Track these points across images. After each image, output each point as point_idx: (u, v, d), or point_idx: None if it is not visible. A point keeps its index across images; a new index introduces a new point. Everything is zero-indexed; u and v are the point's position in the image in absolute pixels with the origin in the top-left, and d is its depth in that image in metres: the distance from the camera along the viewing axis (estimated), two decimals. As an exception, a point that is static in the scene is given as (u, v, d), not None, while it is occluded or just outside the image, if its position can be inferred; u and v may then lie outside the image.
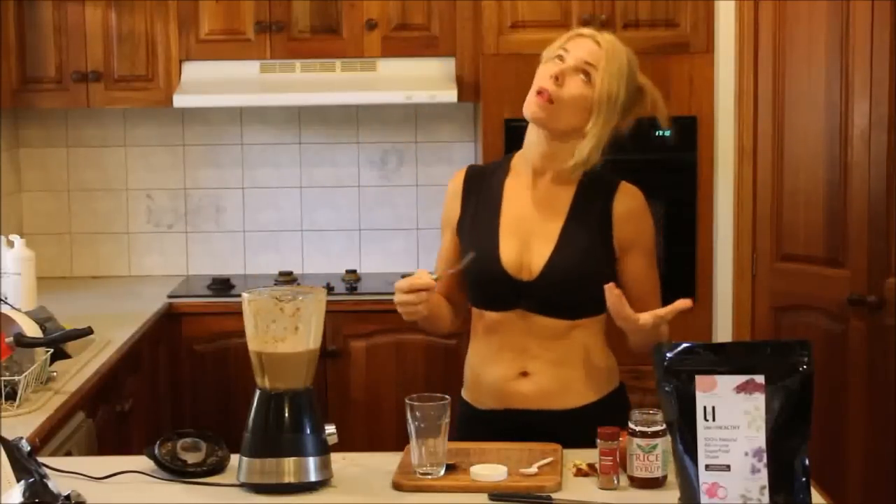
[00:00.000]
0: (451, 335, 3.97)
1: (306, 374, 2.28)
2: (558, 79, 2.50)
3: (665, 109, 2.61)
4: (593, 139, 2.52)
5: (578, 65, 2.50)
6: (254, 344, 2.27)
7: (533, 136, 2.62)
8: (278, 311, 2.25)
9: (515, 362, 2.58)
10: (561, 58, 2.52)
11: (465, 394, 2.69)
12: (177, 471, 2.31)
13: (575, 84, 2.50)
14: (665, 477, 2.23)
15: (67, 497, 2.00)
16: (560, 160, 2.57)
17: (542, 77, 2.53)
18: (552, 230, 2.57)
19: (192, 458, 2.33)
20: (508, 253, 2.56)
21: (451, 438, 2.38)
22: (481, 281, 2.59)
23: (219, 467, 2.33)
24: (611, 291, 2.41)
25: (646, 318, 2.43)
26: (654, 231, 2.66)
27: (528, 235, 2.57)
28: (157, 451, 2.34)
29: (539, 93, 2.53)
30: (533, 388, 2.57)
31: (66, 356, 3.18)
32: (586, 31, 2.54)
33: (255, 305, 2.26)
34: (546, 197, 2.60)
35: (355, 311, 4.39)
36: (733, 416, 2.04)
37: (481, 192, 2.65)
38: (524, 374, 2.58)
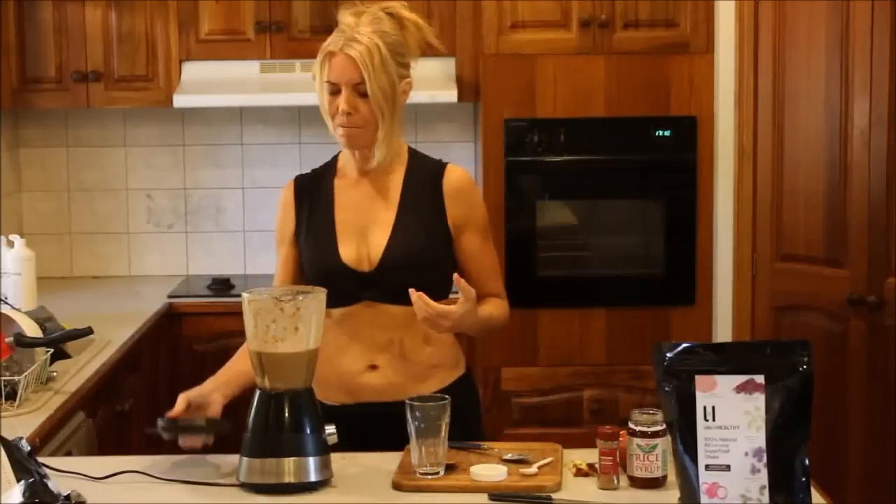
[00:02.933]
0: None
1: (306, 374, 2.28)
2: (351, 114, 2.56)
3: (430, 32, 2.66)
4: (386, 136, 2.60)
5: (352, 88, 2.56)
6: (254, 344, 2.28)
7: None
8: (278, 311, 2.25)
9: (363, 355, 2.62)
10: (334, 87, 2.57)
11: (316, 390, 2.66)
12: (186, 428, 2.34)
13: (361, 105, 2.56)
14: (665, 477, 2.23)
15: (67, 497, 2.00)
16: (374, 160, 2.64)
17: (332, 110, 2.59)
18: (387, 219, 2.63)
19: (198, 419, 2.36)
20: (347, 247, 2.62)
21: None
22: (324, 278, 2.59)
23: (223, 428, 2.35)
24: (413, 293, 2.44)
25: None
26: (485, 209, 2.73)
27: (365, 228, 2.63)
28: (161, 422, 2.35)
29: (343, 128, 2.59)
30: (382, 380, 2.60)
31: (66, 356, 3.18)
32: (335, 45, 2.57)
33: (255, 305, 2.26)
34: (376, 188, 2.67)
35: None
36: (733, 416, 2.04)
37: (313, 198, 2.70)
38: (373, 367, 2.62)
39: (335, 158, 2.76)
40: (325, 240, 2.64)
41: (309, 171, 2.78)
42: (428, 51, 2.69)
